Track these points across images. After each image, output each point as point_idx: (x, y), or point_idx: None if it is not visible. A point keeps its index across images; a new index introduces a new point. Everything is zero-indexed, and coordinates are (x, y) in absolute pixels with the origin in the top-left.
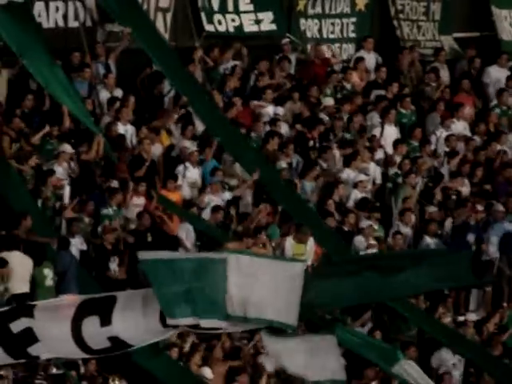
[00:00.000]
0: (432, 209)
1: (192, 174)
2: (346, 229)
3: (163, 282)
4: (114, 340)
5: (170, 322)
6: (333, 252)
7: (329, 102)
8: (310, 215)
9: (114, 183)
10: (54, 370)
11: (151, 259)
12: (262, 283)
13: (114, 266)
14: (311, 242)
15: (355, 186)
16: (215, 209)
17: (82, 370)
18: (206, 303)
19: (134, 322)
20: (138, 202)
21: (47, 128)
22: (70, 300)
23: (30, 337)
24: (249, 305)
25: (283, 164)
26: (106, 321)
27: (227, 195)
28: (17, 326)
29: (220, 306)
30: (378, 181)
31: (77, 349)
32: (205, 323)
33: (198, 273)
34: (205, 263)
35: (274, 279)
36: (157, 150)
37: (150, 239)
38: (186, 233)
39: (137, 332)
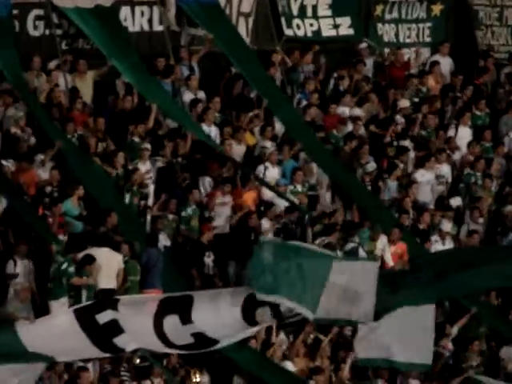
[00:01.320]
0: (509, 208)
1: (272, 173)
2: (421, 227)
3: (265, 262)
4: (197, 336)
5: (259, 297)
6: (410, 250)
7: (405, 104)
8: (385, 215)
9: (204, 181)
10: (138, 361)
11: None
12: (348, 286)
13: (208, 260)
14: (383, 240)
15: (431, 186)
16: (289, 209)
17: (165, 362)
18: (301, 290)
19: (216, 321)
20: (225, 200)
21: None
22: (152, 296)
23: (115, 328)
24: (337, 308)
25: (369, 167)
26: (186, 320)
27: (292, 197)
28: (103, 318)
29: (313, 299)
30: (451, 180)
31: (160, 343)
32: (293, 306)
33: (302, 262)
34: (311, 255)
35: (353, 280)
36: (240, 150)
37: (253, 237)
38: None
39: (220, 329)
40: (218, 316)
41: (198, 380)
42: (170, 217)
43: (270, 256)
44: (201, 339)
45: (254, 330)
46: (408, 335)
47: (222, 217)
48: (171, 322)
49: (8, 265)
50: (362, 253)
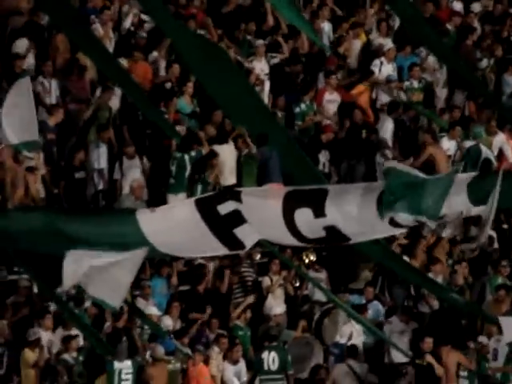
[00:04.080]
0: None
1: (386, 69)
2: None
3: (396, 184)
4: (330, 230)
5: (386, 215)
6: None
7: None
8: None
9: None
10: (258, 257)
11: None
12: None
13: (323, 159)
14: (500, 135)
15: None
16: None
17: None
18: (423, 204)
19: (351, 216)
20: (332, 97)
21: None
22: (278, 189)
23: (237, 218)
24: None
25: (484, 63)
26: (319, 213)
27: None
28: (224, 208)
29: (435, 210)
30: None
31: (290, 236)
32: (415, 218)
33: (428, 181)
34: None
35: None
36: (356, 45)
37: (364, 135)
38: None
39: (355, 225)
40: (352, 212)
41: (311, 259)
42: (279, 114)
43: (397, 179)
44: (333, 233)
45: (390, 231)
46: None
47: (329, 114)
48: (303, 215)
49: (124, 162)
50: (483, 148)
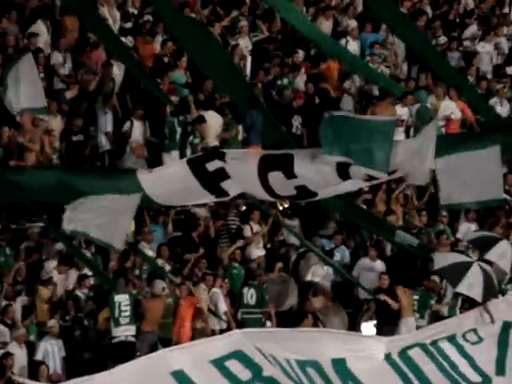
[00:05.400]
0: None
1: (352, 46)
2: (479, 92)
3: (336, 138)
4: (300, 188)
5: (332, 158)
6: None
7: None
8: (460, 79)
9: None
10: (244, 208)
11: (335, 115)
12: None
13: (296, 123)
14: (447, 101)
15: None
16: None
17: None
18: (371, 158)
19: (315, 175)
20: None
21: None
22: (255, 151)
23: (222, 174)
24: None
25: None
26: (290, 175)
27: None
28: (212, 166)
29: (383, 162)
30: (506, 51)
31: (264, 193)
32: (368, 171)
33: (369, 134)
34: (375, 126)
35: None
36: (326, 26)
37: (317, 101)
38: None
39: (319, 182)
40: (316, 171)
41: (285, 206)
42: (259, 85)
43: (339, 125)
44: (302, 191)
45: (350, 187)
46: (480, 175)
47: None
48: (275, 177)
49: (125, 125)
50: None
